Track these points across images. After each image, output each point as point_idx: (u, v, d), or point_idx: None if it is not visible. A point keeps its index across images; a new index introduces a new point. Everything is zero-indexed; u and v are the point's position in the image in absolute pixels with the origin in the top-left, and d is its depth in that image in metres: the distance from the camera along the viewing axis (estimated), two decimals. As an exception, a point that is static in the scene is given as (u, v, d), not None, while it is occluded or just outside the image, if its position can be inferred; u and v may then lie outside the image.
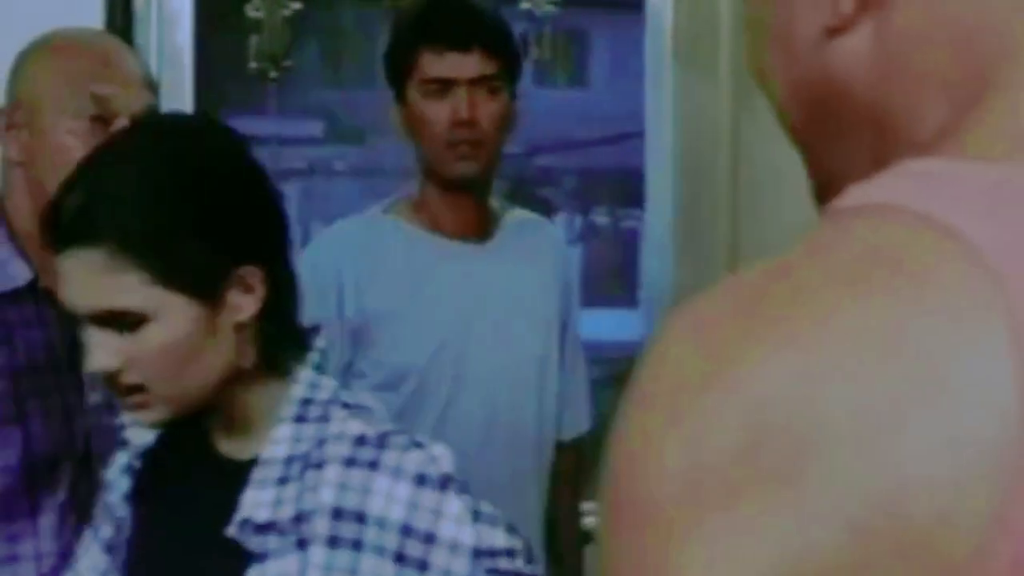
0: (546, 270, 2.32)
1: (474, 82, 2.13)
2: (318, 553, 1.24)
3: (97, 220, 1.22)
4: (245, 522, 1.26)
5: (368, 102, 4.80)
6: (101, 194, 1.24)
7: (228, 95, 3.80)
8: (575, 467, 2.44)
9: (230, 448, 1.34)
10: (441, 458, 1.29)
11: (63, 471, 1.68)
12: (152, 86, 1.79)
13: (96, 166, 1.28)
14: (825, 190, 0.71)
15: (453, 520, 1.26)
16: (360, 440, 1.27)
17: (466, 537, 1.25)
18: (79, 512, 1.66)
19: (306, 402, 1.30)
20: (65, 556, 1.64)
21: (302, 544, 1.24)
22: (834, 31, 0.67)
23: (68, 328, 1.69)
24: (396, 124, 2.25)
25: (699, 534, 0.54)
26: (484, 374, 2.20)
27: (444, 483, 1.27)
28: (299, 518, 1.25)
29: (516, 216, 2.36)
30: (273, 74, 2.97)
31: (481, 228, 2.25)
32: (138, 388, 1.26)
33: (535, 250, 2.32)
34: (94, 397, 1.72)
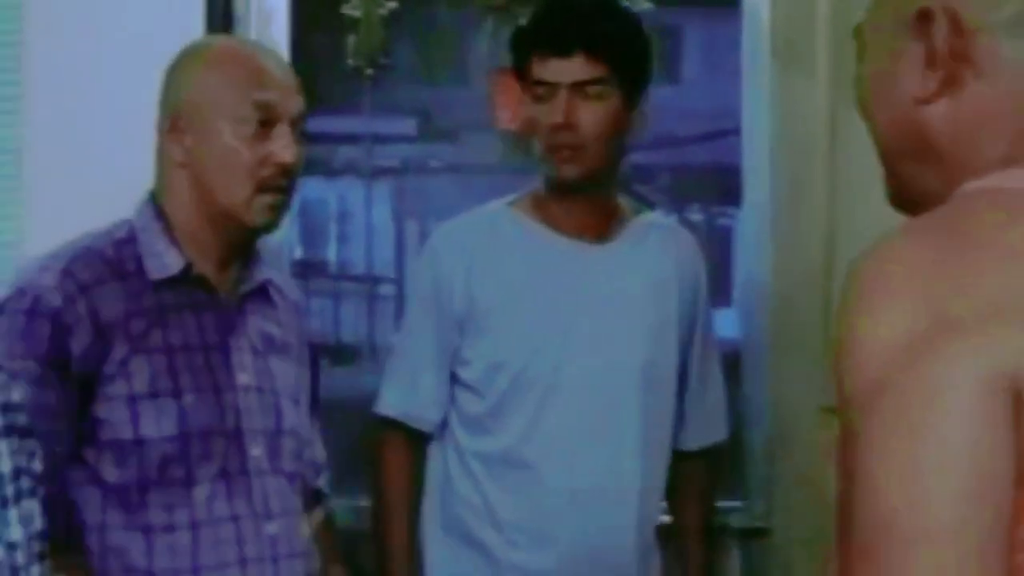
0: (667, 275, 2.28)
1: (576, 86, 2.15)
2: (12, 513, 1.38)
3: None
4: None
5: (462, 100, 4.82)
6: None
7: (324, 93, 3.84)
8: (705, 474, 2.41)
9: None
10: None
11: (215, 444, 1.75)
12: (301, 92, 1.86)
13: None
14: (899, 196, 1.15)
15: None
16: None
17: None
18: (228, 484, 1.77)
19: None
20: (216, 525, 1.76)
21: None
22: (922, 100, 1.08)
23: (219, 311, 1.81)
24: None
25: (937, 355, 0.92)
26: (580, 379, 2.19)
27: None
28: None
29: (646, 219, 2.34)
30: (369, 71, 3.00)
31: (600, 229, 2.25)
32: None
33: (657, 254, 2.29)
34: (244, 378, 1.80)
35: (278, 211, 1.83)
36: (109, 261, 1.80)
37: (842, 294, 0.98)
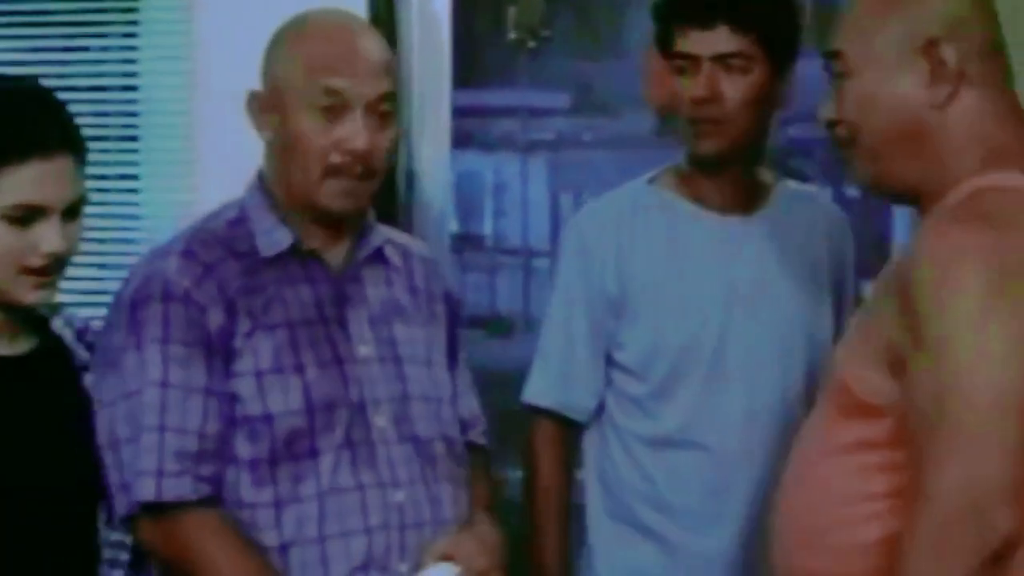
0: (816, 245, 2.23)
1: (718, 59, 2.10)
2: None
3: None
4: None
5: (619, 73, 4.82)
6: None
7: (484, 66, 3.86)
8: None
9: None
10: None
11: (339, 416, 1.79)
12: (392, 72, 1.85)
13: None
14: (880, 184, 1.54)
15: None
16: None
17: None
18: (353, 454, 1.79)
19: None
20: (340, 494, 1.77)
21: None
22: (935, 107, 1.46)
23: (333, 283, 1.83)
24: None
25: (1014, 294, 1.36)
26: (744, 354, 2.14)
27: None
28: None
29: (788, 189, 2.27)
30: (531, 44, 3.02)
31: (745, 202, 2.19)
32: None
33: (805, 224, 2.22)
34: (363, 349, 1.82)
35: (353, 196, 1.82)
36: (223, 240, 1.82)
37: (920, 261, 1.39)
